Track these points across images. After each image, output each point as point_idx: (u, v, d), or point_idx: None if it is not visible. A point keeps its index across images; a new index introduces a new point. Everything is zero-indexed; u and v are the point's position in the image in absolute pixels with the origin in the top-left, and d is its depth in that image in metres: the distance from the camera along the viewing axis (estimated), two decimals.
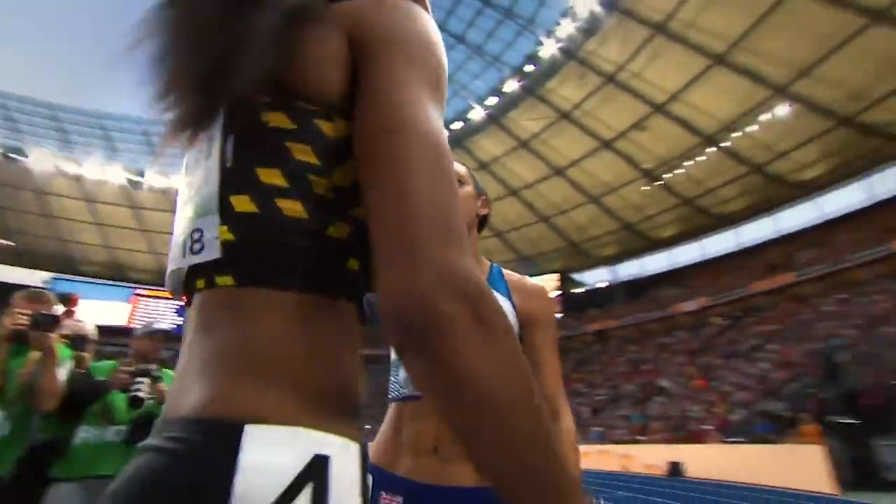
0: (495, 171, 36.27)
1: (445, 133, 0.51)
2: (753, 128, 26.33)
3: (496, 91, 30.75)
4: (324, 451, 0.40)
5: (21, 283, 41.03)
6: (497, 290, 1.51)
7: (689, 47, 24.97)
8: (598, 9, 24.66)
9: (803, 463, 10.60)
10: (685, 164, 29.34)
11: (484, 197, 1.63)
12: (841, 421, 11.95)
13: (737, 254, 32.39)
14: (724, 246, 33.79)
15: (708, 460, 12.89)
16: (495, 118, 32.27)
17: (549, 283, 42.54)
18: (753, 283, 28.70)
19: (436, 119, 0.49)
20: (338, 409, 0.45)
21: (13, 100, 34.30)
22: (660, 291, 35.75)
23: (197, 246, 0.48)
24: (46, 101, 35.02)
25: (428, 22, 0.55)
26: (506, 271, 1.61)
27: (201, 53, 0.48)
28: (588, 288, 42.46)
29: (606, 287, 40.09)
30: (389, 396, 1.51)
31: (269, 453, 0.37)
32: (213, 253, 0.47)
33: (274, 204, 0.48)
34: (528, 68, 28.80)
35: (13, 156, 34.79)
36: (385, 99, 0.48)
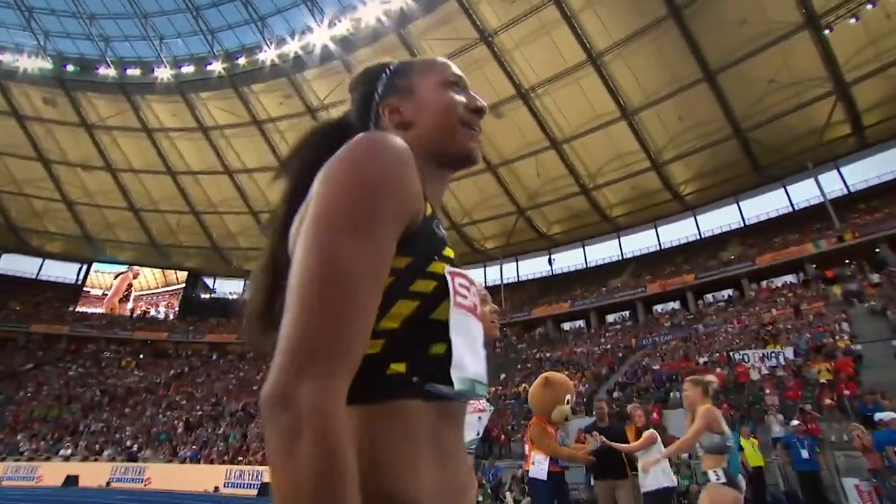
0: (159, 142, 31.78)
1: (348, 251, 0.56)
2: None
3: (196, 62, 27.70)
4: None
5: None
6: None
7: None
8: (330, 45, 26.33)
9: None
10: None
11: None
12: None
13: None
14: None
15: None
16: (181, 88, 28.73)
17: (174, 279, 38.75)
18: None
19: (338, 244, 0.56)
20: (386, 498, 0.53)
21: None
22: None
23: None
24: None
25: (345, 159, 0.62)
26: None
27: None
28: (217, 296, 40.88)
29: (235, 300, 39.49)
30: None
31: None
32: None
33: None
34: (241, 61, 27.46)
35: None
36: (298, 247, 0.59)
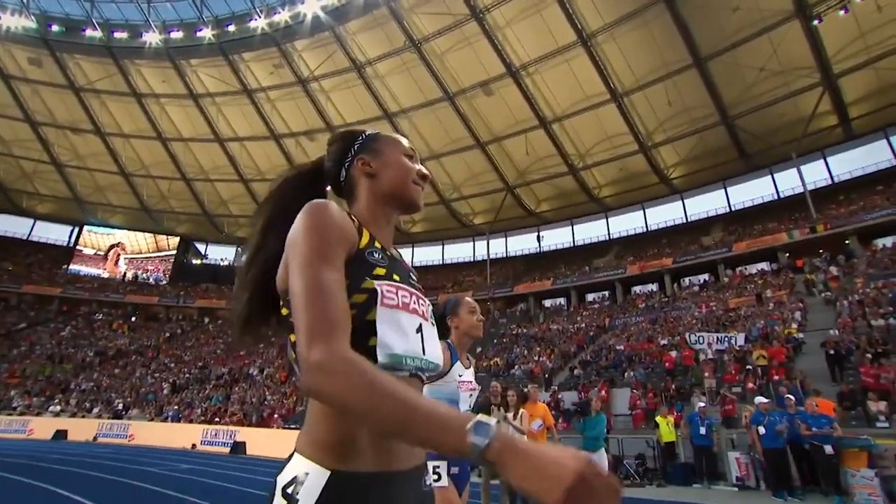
0: (149, 107, 32.25)
1: (314, 272, 0.84)
2: None
3: (185, 28, 27.93)
4: (305, 469, 0.83)
5: None
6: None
7: (372, 95, 30.13)
8: (321, 15, 26.52)
9: None
10: None
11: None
12: None
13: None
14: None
15: (270, 442, 15.74)
16: (171, 55, 29.03)
17: (165, 244, 39.76)
18: None
19: (307, 269, 0.84)
20: (320, 448, 0.84)
21: None
22: None
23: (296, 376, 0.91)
24: None
25: (303, 219, 0.91)
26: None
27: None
28: (208, 262, 41.98)
29: (227, 267, 40.60)
30: None
31: (293, 463, 0.85)
32: (298, 378, 0.85)
33: (297, 347, 0.82)
34: (230, 28, 27.68)
35: None
36: (290, 278, 0.87)
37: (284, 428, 17.10)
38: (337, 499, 0.82)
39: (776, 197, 29.21)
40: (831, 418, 7.51)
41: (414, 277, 1.10)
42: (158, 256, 39.89)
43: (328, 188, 1.17)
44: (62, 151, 34.58)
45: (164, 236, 40.04)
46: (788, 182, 28.68)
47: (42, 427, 18.80)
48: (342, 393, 0.72)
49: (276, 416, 18.83)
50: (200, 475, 9.14)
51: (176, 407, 20.80)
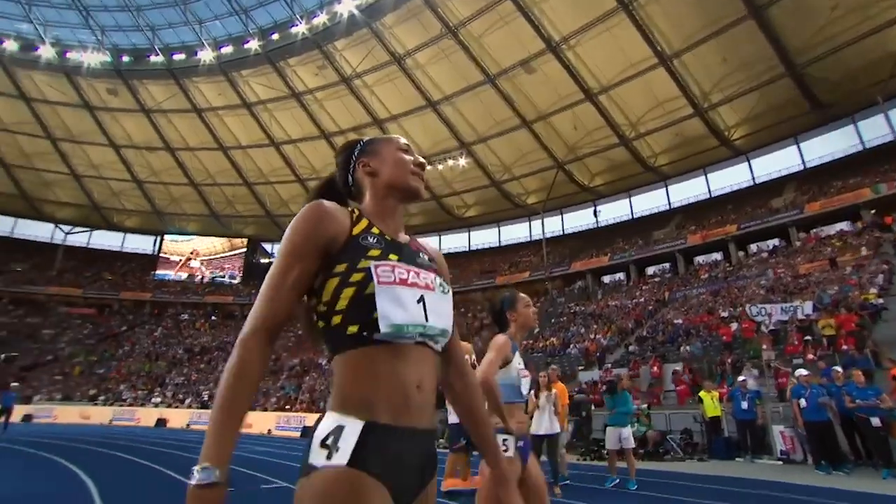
0: (209, 121, 34.66)
1: (275, 268, 1.05)
2: (440, 166, 33.79)
3: (234, 42, 29.75)
4: (340, 423, 0.98)
5: None
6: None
7: (415, 86, 30.62)
8: (356, 13, 27.39)
9: None
10: None
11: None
12: None
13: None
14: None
15: None
16: (223, 68, 31.04)
17: (236, 246, 42.86)
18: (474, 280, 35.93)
19: (274, 266, 1.06)
20: (351, 405, 1.01)
21: None
22: None
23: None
24: None
25: (293, 225, 1.08)
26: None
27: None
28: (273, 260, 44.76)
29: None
30: None
31: (327, 420, 1.00)
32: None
33: (317, 325, 1.09)
34: (274, 37, 29.17)
35: None
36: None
37: None
38: (369, 443, 0.99)
39: (861, 148, 26.70)
40: (879, 389, 7.28)
41: (425, 257, 1.25)
42: (232, 255, 43.03)
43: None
44: (140, 169, 38.10)
45: (235, 239, 43.12)
46: (875, 130, 26.13)
47: (146, 416, 21.53)
48: (227, 365, 0.97)
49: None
50: (272, 456, 10.33)
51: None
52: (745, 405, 8.46)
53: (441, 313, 1.14)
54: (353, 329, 1.04)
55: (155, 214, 41.27)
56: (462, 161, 33.16)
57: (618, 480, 6.58)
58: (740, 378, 9.48)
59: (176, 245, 42.52)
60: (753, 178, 30.17)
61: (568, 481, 6.74)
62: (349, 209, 1.19)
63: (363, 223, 1.17)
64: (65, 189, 39.03)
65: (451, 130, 32.82)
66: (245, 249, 42.80)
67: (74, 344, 32.55)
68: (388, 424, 1.01)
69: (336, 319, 1.05)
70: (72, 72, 31.39)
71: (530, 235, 38.53)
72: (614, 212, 35.39)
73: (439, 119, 32.41)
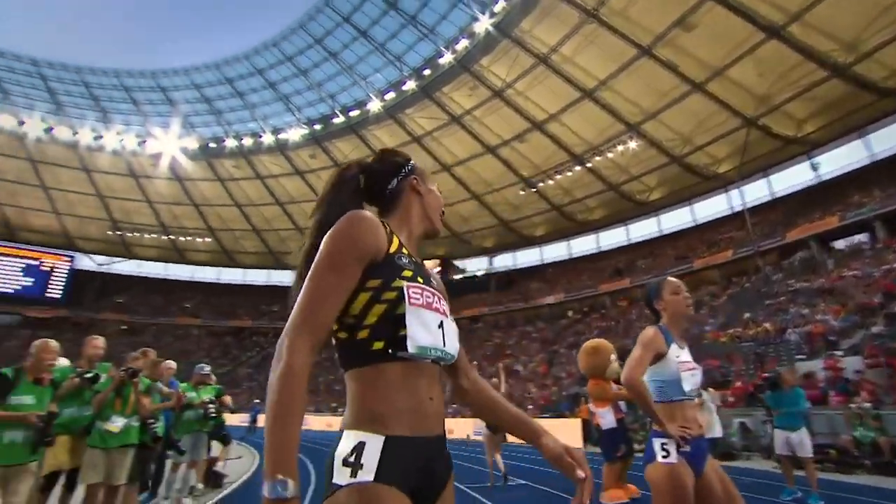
0: None
1: (322, 276, 1.07)
2: (610, 154, 32.21)
3: (395, 87, 33.36)
4: (362, 440, 1.02)
5: None
6: None
7: (566, 80, 29.97)
8: (492, 30, 28.39)
9: (564, 433, 15.49)
10: (556, 175, 34.75)
11: None
12: None
13: (594, 256, 39.51)
14: (585, 248, 40.78)
15: None
16: (391, 112, 34.95)
17: (431, 267, 47.00)
18: (601, 283, 35.43)
19: (320, 272, 1.07)
20: (370, 421, 1.04)
21: None
22: (526, 284, 41.98)
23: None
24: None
25: (334, 227, 1.12)
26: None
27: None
28: (467, 275, 47.99)
29: (483, 276, 45.65)
30: None
31: (347, 439, 1.02)
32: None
33: (338, 336, 1.12)
34: (426, 72, 31.82)
35: None
36: (309, 273, 1.09)
37: (540, 417, 18.72)
38: (391, 456, 1.03)
39: None
40: None
41: (435, 282, 1.29)
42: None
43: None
44: None
45: (428, 261, 47.55)
46: None
47: None
48: (274, 374, 0.98)
49: (531, 407, 20.67)
50: (464, 460, 11.31)
51: (455, 406, 24.83)
52: None
53: (454, 339, 1.21)
54: (378, 345, 1.10)
55: None
56: (632, 144, 31.07)
57: (798, 494, 5.66)
58: None
59: None
60: None
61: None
62: (384, 224, 1.23)
63: (396, 241, 1.22)
64: (295, 241, 48.24)
65: (614, 115, 31.08)
66: (439, 269, 46.84)
67: (317, 366, 39.77)
68: (406, 436, 1.07)
69: (363, 333, 1.11)
70: (284, 148, 39.08)
71: (731, 207, 33.70)
72: (840, 160, 28.70)
73: (599, 107, 31.01)
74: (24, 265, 42.18)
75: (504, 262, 45.59)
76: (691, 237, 34.43)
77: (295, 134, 37.50)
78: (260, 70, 35.82)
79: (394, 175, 1.37)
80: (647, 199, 36.34)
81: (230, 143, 38.88)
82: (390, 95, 33.83)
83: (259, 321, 47.87)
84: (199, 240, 48.57)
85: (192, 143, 39.25)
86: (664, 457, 2.25)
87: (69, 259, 45.10)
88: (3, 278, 41.85)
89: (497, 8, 27.70)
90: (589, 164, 33.89)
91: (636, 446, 7.08)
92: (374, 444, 1.02)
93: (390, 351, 1.09)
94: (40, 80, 36.51)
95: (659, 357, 2.45)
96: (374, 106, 34.58)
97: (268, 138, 38.18)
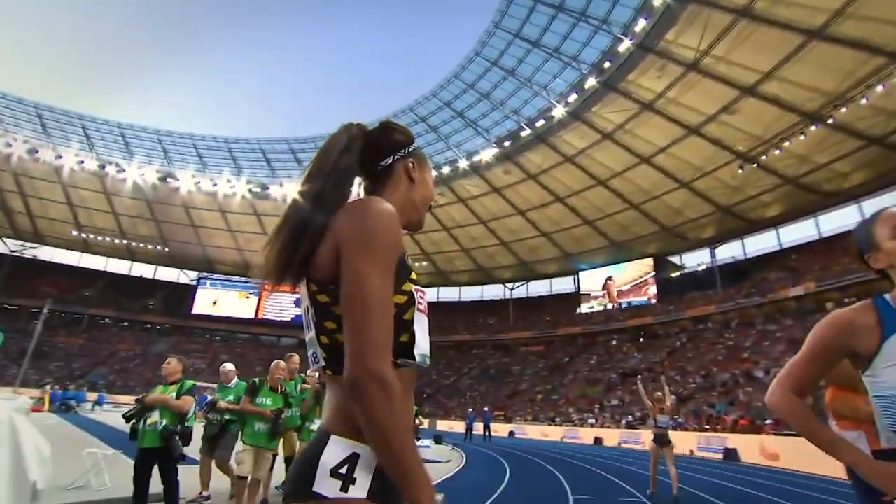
0: (581, 163, 38.35)
1: (379, 283, 0.96)
2: (863, 101, 25.41)
3: (576, 88, 32.82)
4: (355, 451, 0.95)
5: (175, 280, 55.49)
6: None
7: (781, 27, 24.96)
8: (671, 1, 25.83)
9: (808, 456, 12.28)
10: (784, 143, 29.10)
11: None
12: None
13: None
14: (840, 223, 32.95)
15: (761, 448, 14.59)
16: (577, 114, 34.33)
17: (643, 267, 43.92)
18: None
19: (373, 278, 0.94)
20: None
21: (161, 133, 44.12)
22: (762, 275, 35.80)
23: (315, 360, 1.07)
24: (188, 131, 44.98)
25: (373, 220, 0.99)
26: None
27: (281, 254, 1.06)
28: (687, 271, 43.10)
29: (705, 270, 40.48)
30: None
31: (337, 447, 0.94)
32: (321, 363, 1.05)
33: (335, 337, 1.01)
34: (606, 65, 30.52)
35: (168, 180, 45.15)
36: (346, 277, 0.96)
37: (785, 434, 15.79)
38: (383, 472, 0.97)
39: None
40: None
41: None
42: (643, 279, 44.34)
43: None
44: (543, 224, 45.32)
45: (640, 260, 44.45)
46: None
47: (586, 434, 24.70)
48: (380, 411, 0.90)
49: (769, 421, 17.56)
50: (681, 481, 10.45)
51: (677, 417, 22.57)
52: None
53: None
54: None
55: (566, 257, 47.77)
56: (802, 135, 27.25)
57: None
58: None
59: (591, 280, 47.53)
60: None
61: None
62: None
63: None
64: (502, 255, 50.69)
65: (783, 107, 27.45)
66: (653, 272, 43.36)
67: (534, 376, 40.64)
68: None
69: None
70: (479, 169, 41.66)
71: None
72: None
73: (763, 101, 27.92)
74: (294, 298, 53.95)
75: (730, 251, 39.79)
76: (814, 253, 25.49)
77: (487, 154, 39.76)
78: (447, 103, 39.13)
79: (391, 152, 1.24)
80: (840, 188, 29.90)
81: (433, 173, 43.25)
82: (573, 97, 33.37)
83: (477, 335, 51.37)
84: (416, 263, 54.79)
85: None
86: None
87: None
88: (280, 310, 54.49)
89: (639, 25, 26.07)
90: (831, 120, 27.18)
91: None
92: (369, 459, 0.96)
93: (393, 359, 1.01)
94: (227, 151, 46.55)
95: (867, 355, 1.43)
96: (558, 112, 34.51)
97: (463, 163, 41.25)
